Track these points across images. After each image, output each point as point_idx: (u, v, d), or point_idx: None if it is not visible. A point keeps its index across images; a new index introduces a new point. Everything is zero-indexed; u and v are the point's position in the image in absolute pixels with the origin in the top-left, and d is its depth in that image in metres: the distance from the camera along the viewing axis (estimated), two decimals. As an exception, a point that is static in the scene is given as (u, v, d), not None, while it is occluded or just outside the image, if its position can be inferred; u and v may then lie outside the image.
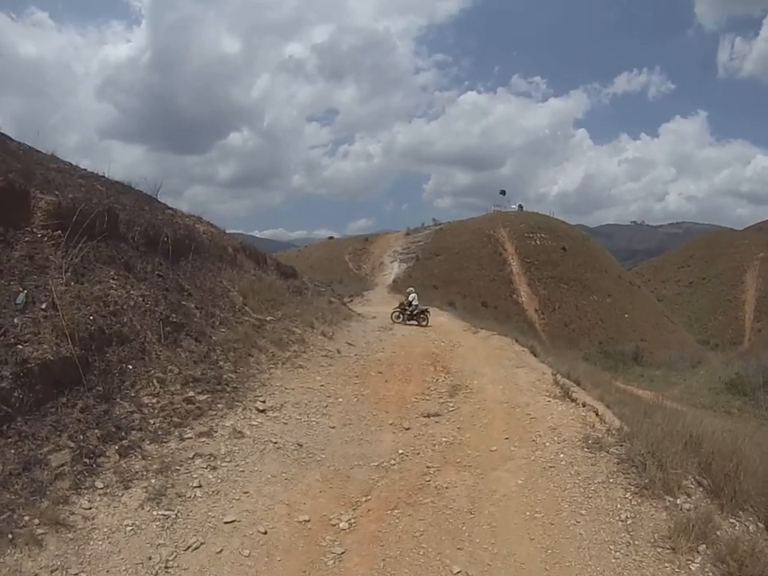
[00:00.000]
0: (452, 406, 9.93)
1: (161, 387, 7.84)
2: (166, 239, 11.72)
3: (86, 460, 6.02)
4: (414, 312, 22.91)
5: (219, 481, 6.40)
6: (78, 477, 5.79)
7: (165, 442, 6.85)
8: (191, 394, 8.08)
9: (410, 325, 21.98)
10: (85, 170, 13.68)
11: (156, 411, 7.33)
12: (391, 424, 9.06)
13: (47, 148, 12.85)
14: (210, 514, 5.80)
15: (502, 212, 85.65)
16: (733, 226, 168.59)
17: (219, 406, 8.16)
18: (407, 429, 8.86)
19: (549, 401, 9.87)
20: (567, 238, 78.75)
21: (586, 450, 7.44)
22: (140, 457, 6.43)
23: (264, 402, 8.80)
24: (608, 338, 64.90)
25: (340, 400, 9.95)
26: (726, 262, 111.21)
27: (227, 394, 8.58)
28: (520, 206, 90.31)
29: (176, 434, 7.10)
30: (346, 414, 9.33)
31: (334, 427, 8.63)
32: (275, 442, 7.60)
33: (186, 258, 12.54)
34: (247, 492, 6.28)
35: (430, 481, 6.96)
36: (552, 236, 77.05)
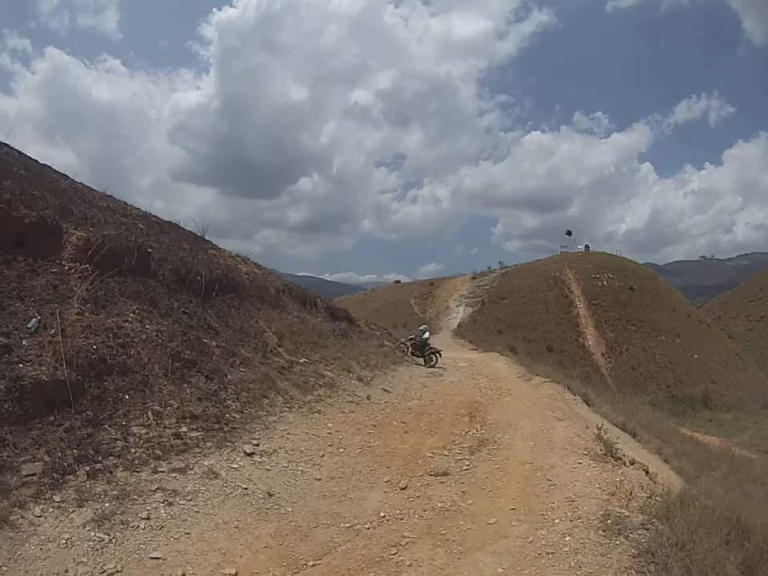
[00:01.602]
0: (467, 465, 9.21)
1: (155, 419, 7.82)
2: (199, 278, 11.82)
3: (55, 475, 6.19)
4: (426, 349, 22.10)
5: (169, 517, 6.16)
6: (42, 487, 5.97)
7: (137, 472, 6.77)
8: (184, 429, 7.94)
9: (417, 363, 21.07)
10: (139, 209, 14.64)
11: (141, 442, 7.29)
12: (387, 481, 8.35)
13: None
14: (142, 546, 5.65)
15: (569, 253, 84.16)
16: None
17: (208, 444, 7.91)
18: (403, 488, 8.14)
19: (580, 462, 9.00)
20: (635, 278, 76.13)
21: (601, 532, 6.45)
22: (105, 481, 6.44)
23: (257, 445, 8.39)
24: (677, 380, 62.30)
25: (341, 450, 9.28)
26: None
27: (222, 434, 8.30)
28: (587, 246, 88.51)
29: (152, 465, 7.00)
30: (340, 466, 8.64)
31: (319, 479, 8.00)
32: (245, 488, 7.14)
33: (222, 297, 12.57)
34: (189, 533, 5.96)
35: (395, 554, 6.23)
36: (619, 276, 74.57)
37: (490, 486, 8.27)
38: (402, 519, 7.15)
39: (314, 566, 5.86)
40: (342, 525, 6.83)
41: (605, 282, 72.60)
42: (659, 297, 75.78)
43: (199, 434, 8.03)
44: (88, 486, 6.25)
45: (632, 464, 9.51)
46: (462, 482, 8.45)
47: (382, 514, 7.21)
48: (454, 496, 7.89)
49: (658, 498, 7.49)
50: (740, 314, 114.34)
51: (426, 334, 23.25)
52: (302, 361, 12.94)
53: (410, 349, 22.14)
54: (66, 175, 13.85)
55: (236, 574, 5.49)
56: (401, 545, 6.43)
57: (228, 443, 8.14)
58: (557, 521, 6.88)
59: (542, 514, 7.09)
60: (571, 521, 6.83)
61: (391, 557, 6.17)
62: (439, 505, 7.59)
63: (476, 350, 32.90)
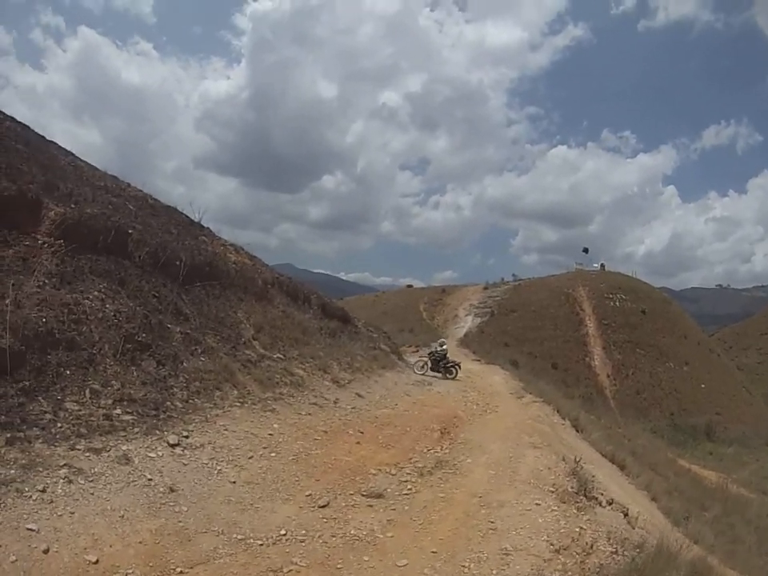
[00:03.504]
0: (409, 489, 8.44)
1: (91, 398, 7.67)
2: (178, 263, 11.70)
3: (-27, 435, 6.20)
4: (442, 362, 22.13)
5: (63, 494, 5.94)
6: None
7: (54, 446, 6.62)
8: (117, 411, 7.73)
9: (435, 377, 21.12)
10: (141, 191, 15.11)
11: (70, 418, 7.16)
12: (308, 496, 7.58)
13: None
14: (24, 515, 5.50)
15: (584, 271, 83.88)
16: None
17: (136, 429, 7.62)
18: (322, 506, 7.36)
19: (538, 503, 8.06)
20: (648, 300, 75.49)
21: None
22: (20, 450, 6.32)
23: (186, 437, 7.99)
24: (681, 409, 61.44)
25: (273, 455, 8.57)
26: None
27: (155, 421, 8.02)
28: (602, 265, 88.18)
29: (71, 442, 6.82)
30: (264, 471, 7.96)
31: (234, 482, 7.40)
32: (150, 479, 6.74)
33: (203, 284, 12.45)
34: (73, 513, 5.71)
35: None
36: (632, 297, 74.05)
37: (423, 518, 7.49)
38: (302, 542, 6.45)
39: (180, 573, 5.42)
40: (234, 536, 6.26)
41: (617, 303, 72.14)
42: (671, 322, 75.12)
43: (131, 417, 7.79)
44: (2, 451, 6.17)
45: (610, 504, 8.86)
46: (393, 509, 7.71)
47: (282, 532, 6.54)
48: (375, 524, 7.15)
49: (625, 554, 6.80)
50: (752, 345, 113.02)
51: (445, 347, 23.21)
52: (275, 356, 12.67)
53: (430, 364, 22.04)
54: (70, 153, 14.26)
55: (96, 561, 5.20)
56: (282, 571, 5.77)
57: (157, 431, 7.84)
58: (477, 580, 5.97)
59: (463, 566, 6.25)
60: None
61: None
62: (353, 532, 6.85)
63: (478, 361, 32.81)
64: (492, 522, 7.38)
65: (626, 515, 8.66)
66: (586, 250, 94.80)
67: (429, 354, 22.74)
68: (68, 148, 14.51)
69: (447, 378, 21.37)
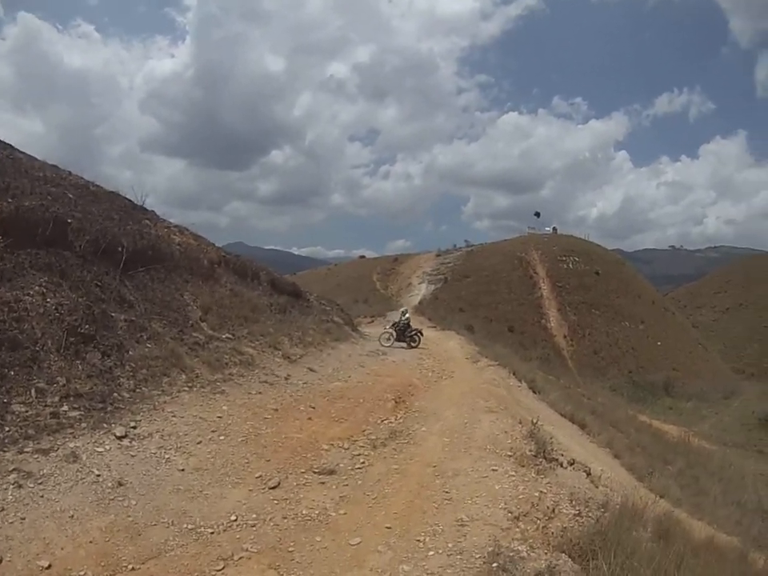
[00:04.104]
0: (362, 463, 8.35)
1: (37, 397, 7.49)
2: (120, 249, 11.43)
3: None
4: (406, 331, 22.29)
5: (13, 500, 5.86)
6: None
7: (3, 451, 6.48)
8: (64, 408, 7.57)
9: (401, 347, 21.27)
10: (82, 179, 14.69)
11: (18, 420, 7.01)
12: (258, 477, 7.44)
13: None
14: None
15: (536, 234, 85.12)
16: None
17: (83, 425, 7.47)
18: (273, 487, 7.23)
19: (495, 468, 7.97)
20: (601, 262, 77.89)
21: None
22: None
23: (134, 427, 7.83)
24: (639, 366, 63.65)
25: (222, 438, 8.37)
26: (764, 287, 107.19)
27: (103, 414, 7.87)
28: (554, 229, 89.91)
29: (20, 445, 6.70)
30: (213, 456, 7.76)
31: (182, 470, 7.21)
32: (98, 474, 6.58)
33: (146, 268, 12.18)
34: (24, 519, 5.65)
35: (220, 570, 5.48)
36: (585, 260, 76.14)
37: (377, 492, 7.41)
38: (253, 526, 6.35)
39: (132, 569, 5.34)
40: (185, 526, 6.14)
41: (570, 265, 73.57)
42: (625, 282, 76.97)
43: (79, 413, 7.64)
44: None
45: (571, 465, 8.87)
46: (346, 485, 7.63)
47: (233, 518, 6.44)
48: (328, 502, 7.07)
49: (590, 515, 6.74)
50: (706, 304, 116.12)
51: (407, 315, 23.42)
52: (224, 336, 12.49)
53: (395, 335, 22.08)
54: (9, 145, 13.92)
55: (49, 566, 5.15)
56: (232, 559, 5.68)
57: (105, 424, 7.68)
58: (430, 553, 5.87)
59: (418, 540, 6.13)
60: (448, 555, 5.80)
61: (213, 574, 5.46)
62: (305, 512, 6.76)
63: (434, 327, 32.92)
64: (447, 492, 7.31)
65: (588, 474, 8.73)
66: (537, 214, 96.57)
67: (392, 325, 22.85)
68: (8, 140, 14.21)
69: (411, 347, 21.51)
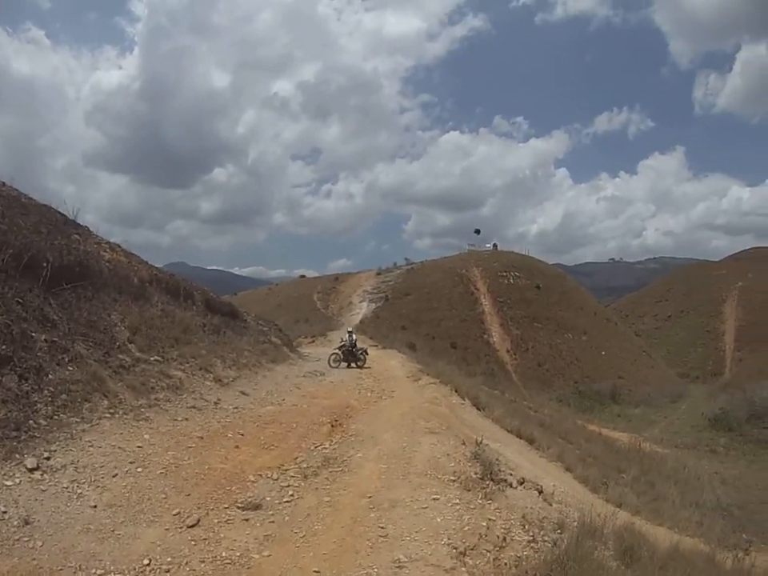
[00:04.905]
0: (291, 495, 7.75)
1: None
2: (45, 264, 10.90)
3: None
4: (355, 352, 22.39)
5: None
6: None
7: None
8: (-25, 437, 6.98)
9: (351, 368, 21.47)
10: (16, 190, 14.22)
11: None
12: (176, 515, 6.79)
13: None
14: None
15: (476, 251, 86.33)
16: (710, 258, 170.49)
17: (-6, 456, 6.86)
18: (192, 526, 6.60)
19: (437, 497, 7.48)
20: (542, 276, 79.46)
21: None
22: None
23: (48, 458, 7.17)
24: (584, 377, 64.59)
25: (139, 470, 7.69)
26: (705, 293, 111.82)
27: (16, 443, 7.26)
28: (494, 245, 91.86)
29: None
30: (129, 490, 7.09)
31: (95, 506, 6.54)
32: (4, 511, 5.96)
33: (73, 286, 11.62)
34: None
35: None
36: (526, 274, 77.71)
37: (305, 529, 6.81)
38: (167, 571, 5.72)
39: None
40: (93, 571, 5.47)
41: (511, 281, 74.89)
42: (566, 295, 78.68)
43: (-10, 443, 7.10)
44: None
45: (521, 484, 8.59)
46: (272, 521, 7.01)
47: (146, 561, 5.77)
48: (251, 542, 6.46)
49: (545, 539, 6.44)
50: (647, 313, 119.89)
51: (354, 336, 23.36)
52: (152, 359, 11.98)
53: (342, 356, 22.13)
54: None
55: None
56: None
57: (17, 455, 7.05)
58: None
59: None
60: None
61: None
62: (225, 554, 6.14)
63: (376, 346, 32.92)
64: (383, 528, 6.81)
65: (540, 492, 8.46)
66: (477, 231, 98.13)
67: (340, 347, 22.77)
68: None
69: (358, 367, 21.67)
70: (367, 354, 23.06)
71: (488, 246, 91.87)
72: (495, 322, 68.94)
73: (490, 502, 7.50)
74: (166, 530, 6.47)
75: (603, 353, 70.53)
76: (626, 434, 36.30)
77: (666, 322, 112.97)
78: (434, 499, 7.45)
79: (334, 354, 22.37)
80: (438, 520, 6.90)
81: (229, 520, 6.92)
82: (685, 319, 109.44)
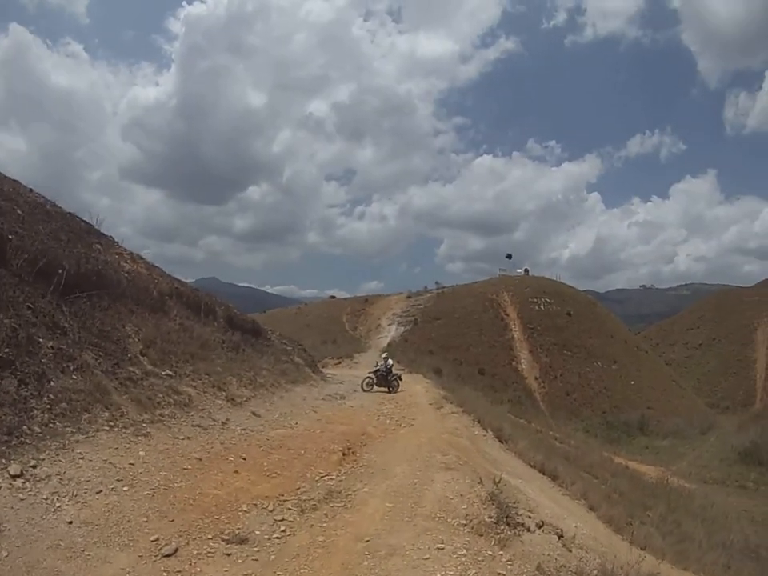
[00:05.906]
0: (283, 530, 7.02)
1: None
2: (60, 271, 10.80)
3: None
4: (389, 377, 22.29)
5: None
6: None
7: None
8: (-34, 438, 6.83)
9: (381, 391, 21.24)
10: (41, 196, 14.39)
11: None
12: (153, 541, 6.19)
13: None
14: None
15: (507, 276, 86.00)
16: (741, 283, 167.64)
17: (-22, 458, 6.61)
18: (168, 555, 5.96)
19: (441, 546, 6.61)
20: (573, 303, 78.46)
21: None
22: None
23: (34, 467, 6.82)
24: (612, 406, 63.25)
25: (126, 488, 7.20)
26: (736, 320, 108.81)
27: (4, 448, 6.98)
28: (526, 270, 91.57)
29: None
30: (110, 510, 6.58)
31: (70, 522, 6.07)
32: None
33: (88, 294, 11.52)
34: None
35: None
36: (557, 301, 76.63)
37: (290, 572, 6.06)
38: None
39: None
40: None
41: (542, 307, 74.16)
42: (597, 323, 77.63)
43: (-22, 445, 6.90)
44: None
45: (540, 527, 7.88)
46: (256, 559, 6.27)
47: None
48: None
49: None
50: (678, 341, 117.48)
51: (390, 361, 23.35)
52: (163, 373, 11.73)
53: (376, 380, 22.11)
54: None
55: None
56: None
57: (3, 460, 6.74)
58: None
59: None
60: None
61: None
62: None
63: (402, 370, 32.59)
64: None
65: (560, 537, 7.85)
66: (509, 256, 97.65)
67: (375, 371, 22.68)
68: (-9, 156, 13.87)
69: (393, 392, 21.56)
70: (401, 379, 23.04)
71: (519, 271, 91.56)
72: (524, 348, 68.11)
73: (502, 551, 6.77)
74: (140, 556, 5.94)
75: (632, 382, 69.18)
76: (653, 467, 35.56)
77: (696, 350, 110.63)
78: (438, 548, 6.60)
79: (367, 378, 22.26)
80: (439, 575, 6.06)
81: (209, 552, 6.30)
82: (716, 347, 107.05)
